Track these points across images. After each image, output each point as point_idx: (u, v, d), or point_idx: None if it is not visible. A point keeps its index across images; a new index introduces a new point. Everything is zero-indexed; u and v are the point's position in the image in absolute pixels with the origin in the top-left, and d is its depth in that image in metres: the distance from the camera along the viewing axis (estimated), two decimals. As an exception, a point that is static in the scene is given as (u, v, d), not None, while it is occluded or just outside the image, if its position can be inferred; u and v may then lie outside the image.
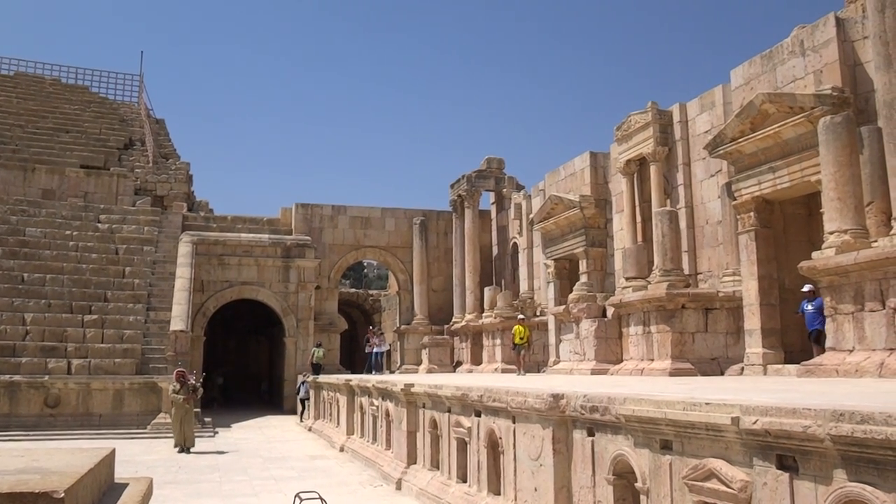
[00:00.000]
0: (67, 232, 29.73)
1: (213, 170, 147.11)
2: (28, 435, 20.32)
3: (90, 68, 45.93)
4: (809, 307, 14.41)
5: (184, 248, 29.78)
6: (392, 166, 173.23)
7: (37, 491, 2.17)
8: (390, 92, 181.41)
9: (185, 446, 18.53)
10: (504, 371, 26.34)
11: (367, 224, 34.78)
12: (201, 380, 21.59)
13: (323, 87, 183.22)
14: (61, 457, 2.83)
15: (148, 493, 2.99)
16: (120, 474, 3.23)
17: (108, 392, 23.10)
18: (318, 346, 29.28)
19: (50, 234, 29.33)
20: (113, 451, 3.09)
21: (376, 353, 26.43)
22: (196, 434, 22.24)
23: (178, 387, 19.16)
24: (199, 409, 25.08)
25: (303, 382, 27.30)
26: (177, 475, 15.08)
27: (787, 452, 4.82)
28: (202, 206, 36.97)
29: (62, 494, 2.17)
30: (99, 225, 30.86)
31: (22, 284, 26.51)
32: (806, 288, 14.63)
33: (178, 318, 25.85)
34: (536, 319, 27.03)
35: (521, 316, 24.61)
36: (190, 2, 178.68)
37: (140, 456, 17.53)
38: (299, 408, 27.08)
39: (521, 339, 22.64)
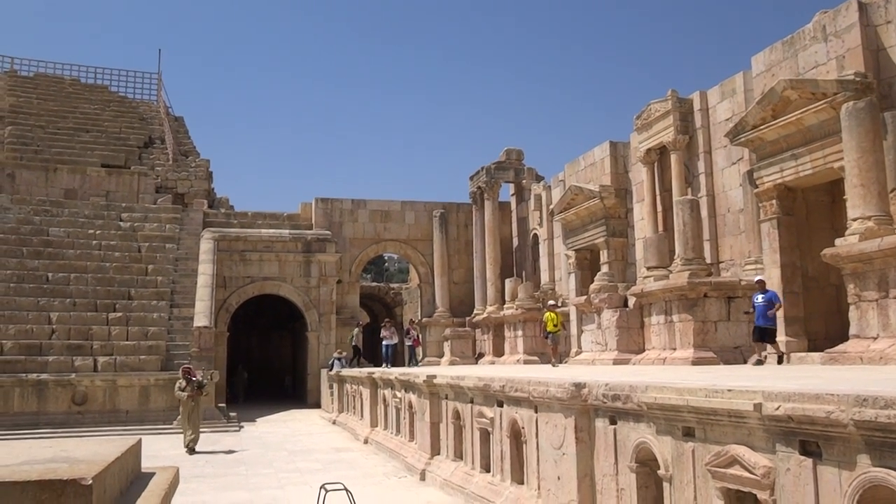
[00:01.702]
0: (90, 231, 30.07)
1: (232, 166, 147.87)
2: (56, 432, 20.62)
3: (109, 68, 46.45)
4: (760, 299, 13.83)
5: (205, 245, 30.03)
6: (411, 160, 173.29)
7: (65, 478, 2.23)
8: (409, 86, 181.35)
9: (193, 446, 17.95)
10: (526, 362, 26.34)
11: (387, 217, 34.86)
12: (209, 377, 20.94)
13: (342, 82, 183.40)
14: (89, 446, 2.90)
15: (174, 482, 3.05)
16: (151, 467, 3.31)
17: (135, 388, 23.38)
18: (359, 325, 29.11)
19: (73, 234, 29.69)
20: (139, 441, 3.16)
21: (387, 346, 26.27)
22: (221, 429, 22.55)
23: (183, 384, 18.48)
24: (223, 405, 25.43)
25: (337, 359, 27.87)
26: (203, 469, 15.27)
27: (811, 438, 4.81)
28: (222, 203, 37.24)
29: (90, 481, 2.22)
30: (121, 223, 31.19)
31: (47, 284, 26.88)
32: (756, 278, 14.46)
33: (202, 315, 26.11)
34: (558, 310, 26.96)
35: (551, 302, 22.84)
36: (206, 1, 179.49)
37: (167, 451, 17.73)
38: (333, 370, 26.98)
39: (555, 326, 20.52)
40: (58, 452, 2.71)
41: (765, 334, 13.72)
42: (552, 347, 20.66)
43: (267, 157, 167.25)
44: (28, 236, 28.93)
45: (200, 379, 18.84)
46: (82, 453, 2.67)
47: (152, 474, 3.06)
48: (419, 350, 30.14)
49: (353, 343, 28.55)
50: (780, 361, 13.76)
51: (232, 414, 24.70)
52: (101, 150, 37.17)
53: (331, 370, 28.08)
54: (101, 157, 36.48)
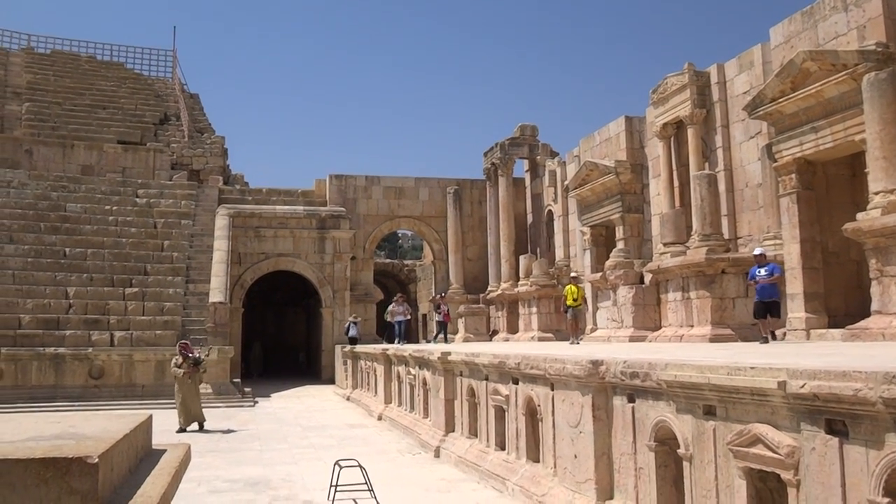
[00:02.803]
0: (107, 207, 30.16)
1: (247, 143, 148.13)
2: (73, 405, 20.79)
3: (125, 45, 46.36)
4: (762, 272, 13.47)
5: (220, 221, 30.07)
6: (425, 136, 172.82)
7: (70, 456, 2.16)
8: (424, 62, 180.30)
9: (185, 426, 17.00)
10: (541, 339, 26.27)
11: (401, 194, 34.73)
12: (207, 353, 19.80)
13: (356, 59, 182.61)
14: (98, 422, 2.83)
15: (186, 459, 2.99)
16: (162, 443, 3.26)
17: (150, 363, 23.52)
18: (398, 302, 28.79)
19: (90, 210, 29.78)
20: (150, 417, 3.09)
21: (399, 322, 25.97)
22: (236, 404, 22.66)
23: (180, 360, 17.46)
24: (238, 380, 25.56)
25: (353, 322, 28.47)
26: (218, 444, 15.34)
27: (837, 417, 4.70)
28: (237, 180, 37.22)
29: (96, 460, 2.16)
30: (137, 200, 31.26)
31: (64, 259, 27.02)
32: (757, 251, 14.19)
33: (217, 290, 26.19)
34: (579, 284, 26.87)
35: (573, 274, 21.56)
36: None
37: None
38: (347, 347, 27.10)
39: (575, 300, 19.25)
40: (66, 428, 2.65)
41: (769, 308, 13.50)
42: (571, 323, 19.51)
43: (282, 134, 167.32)
44: (45, 212, 29.06)
45: (198, 356, 17.87)
46: (90, 429, 2.61)
47: (163, 451, 3.00)
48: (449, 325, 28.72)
49: (388, 319, 28.03)
50: (765, 341, 13.36)
51: (246, 389, 24.83)
52: (117, 127, 37.20)
53: (347, 333, 28.43)
54: (117, 133, 36.52)
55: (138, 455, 2.78)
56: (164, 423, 17.55)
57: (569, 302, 19.28)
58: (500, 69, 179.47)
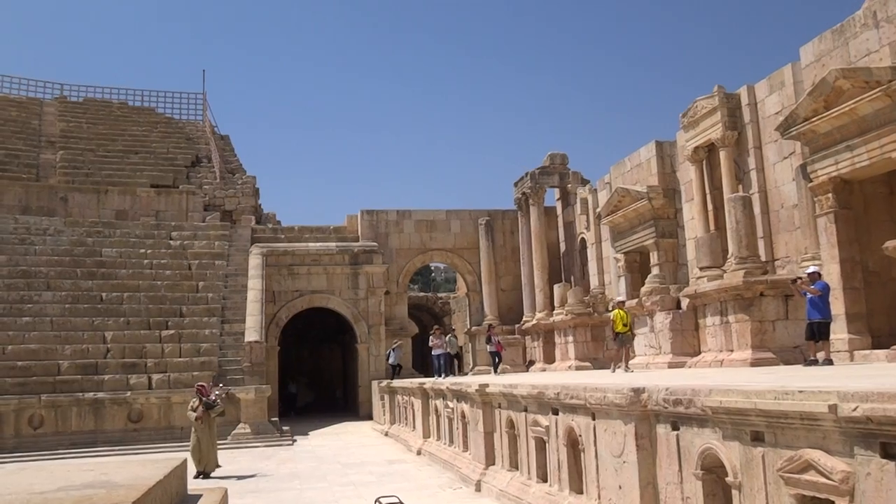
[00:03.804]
0: (141, 250, 30.60)
1: (278, 182, 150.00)
2: (113, 450, 20.92)
3: (155, 90, 47.35)
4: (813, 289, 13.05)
5: (254, 261, 30.32)
6: (455, 168, 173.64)
7: None
8: (450, 95, 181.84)
9: (204, 471, 16.43)
10: (578, 368, 25.94)
11: (433, 227, 34.77)
12: (224, 394, 18.97)
13: (383, 95, 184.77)
14: (131, 469, 2.79)
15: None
16: (204, 485, 3.20)
17: (188, 405, 23.55)
18: (454, 336, 28.58)
19: (125, 254, 30.24)
20: (184, 462, 3.04)
21: (438, 356, 25.64)
22: (275, 443, 22.61)
23: (195, 403, 16.89)
24: (276, 419, 25.51)
25: (393, 349, 28.66)
26: (258, 484, 15.29)
27: (892, 440, 4.50)
28: (269, 219, 37.60)
29: None
30: (171, 242, 31.68)
31: (101, 304, 27.37)
32: (810, 269, 13.76)
33: (252, 329, 26.32)
34: (609, 315, 26.54)
35: (619, 299, 20.19)
36: (248, 19, 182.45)
37: (223, 466, 17.82)
38: (384, 382, 27.05)
39: (626, 325, 18.13)
40: (97, 476, 2.60)
41: (820, 330, 13.13)
42: (622, 350, 18.15)
43: (312, 172, 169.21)
44: (82, 257, 29.57)
45: (212, 398, 17.09)
46: (122, 477, 2.55)
47: (199, 496, 2.94)
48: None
49: (452, 352, 27.88)
50: (810, 364, 13.02)
51: (285, 428, 24.79)
52: (149, 171, 37.90)
53: (388, 361, 28.32)
54: (150, 177, 37.19)
55: (172, 501, 2.72)
56: (193, 468, 17.56)
57: (618, 328, 18.05)
58: (527, 98, 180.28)
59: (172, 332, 26.59)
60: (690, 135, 21.58)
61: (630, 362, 18.84)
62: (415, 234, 34.48)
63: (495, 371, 25.15)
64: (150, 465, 2.89)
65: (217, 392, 17.80)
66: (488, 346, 26.48)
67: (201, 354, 25.82)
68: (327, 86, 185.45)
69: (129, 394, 23.35)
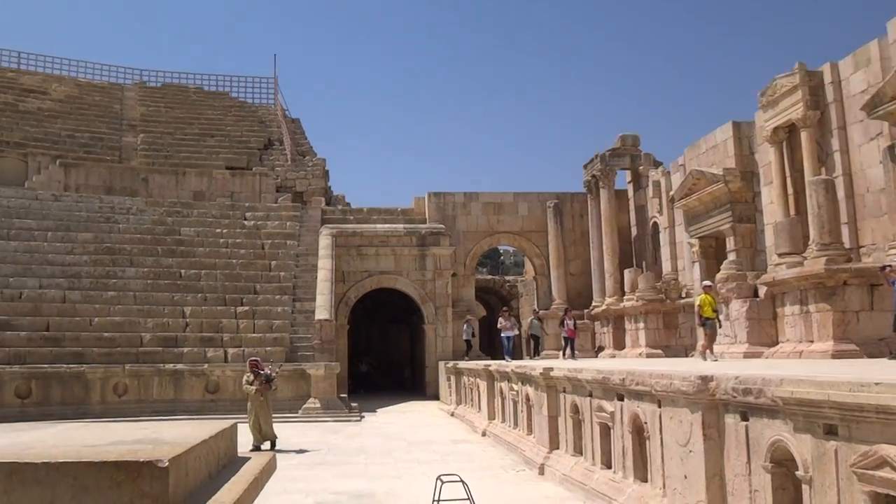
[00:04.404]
0: (217, 230, 31.45)
1: (348, 164, 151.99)
2: (192, 418, 21.51)
3: (229, 74, 48.49)
4: None
5: (324, 241, 30.78)
6: (523, 150, 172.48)
7: (142, 460, 2.18)
8: (520, 75, 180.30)
9: (259, 444, 16.51)
10: (649, 356, 25.51)
11: (500, 210, 34.60)
12: (277, 370, 19.08)
13: (453, 76, 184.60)
14: (182, 430, 2.86)
15: (268, 468, 2.97)
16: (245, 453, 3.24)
17: (278, 377, 24.15)
18: (538, 319, 28.06)
19: (202, 233, 31.14)
20: (234, 426, 3.10)
21: (507, 338, 25.50)
22: (343, 419, 22.97)
23: (251, 377, 17.24)
24: (345, 396, 25.93)
25: (467, 321, 28.97)
26: (326, 457, 15.56)
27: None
28: (339, 200, 38.08)
29: (166, 464, 2.17)
30: (245, 222, 32.45)
31: (180, 280, 28.29)
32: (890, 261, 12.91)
33: (322, 308, 26.76)
34: (682, 301, 26.01)
35: (706, 283, 18.59)
36: (318, 3, 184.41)
37: (293, 438, 18.24)
38: (450, 363, 27.19)
39: (714, 311, 16.84)
40: (149, 434, 2.68)
41: None
42: (710, 337, 16.72)
43: (380, 154, 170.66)
44: (162, 236, 30.57)
45: (268, 372, 17.39)
46: (171, 436, 2.62)
47: (247, 459, 2.98)
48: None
49: (532, 332, 27.86)
50: (893, 357, 12.43)
51: (353, 404, 25.17)
52: (224, 154, 38.82)
53: (464, 336, 28.56)
54: (225, 159, 38.11)
55: (219, 462, 2.77)
56: (280, 435, 17.97)
57: (706, 313, 16.64)
58: (598, 78, 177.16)
59: (247, 308, 27.29)
60: (769, 115, 20.80)
61: (699, 352, 18.32)
62: (482, 216, 34.37)
63: (572, 356, 24.80)
64: (200, 427, 2.95)
65: (270, 367, 18.04)
66: (561, 331, 26.13)
67: (274, 331, 26.43)
68: (396, 68, 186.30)
69: (206, 366, 24.09)
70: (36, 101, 40.05)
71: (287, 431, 19.16)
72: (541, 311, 33.91)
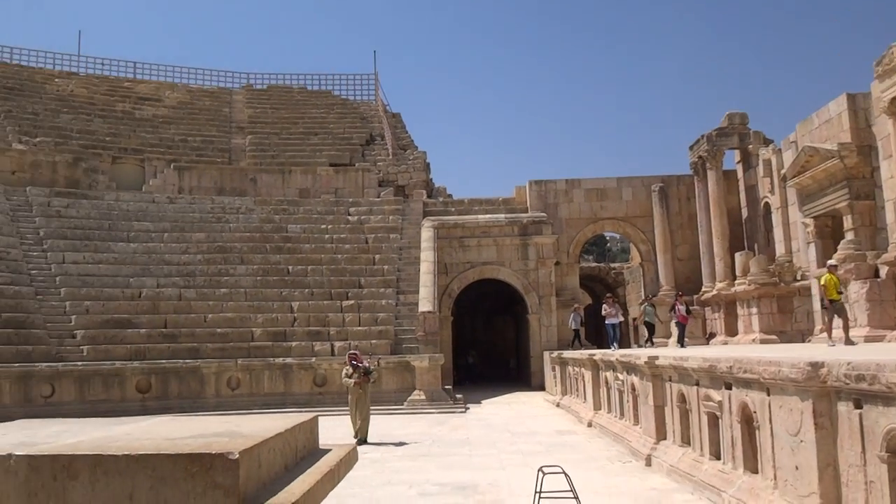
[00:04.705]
0: (322, 226, 32.29)
1: (448, 156, 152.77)
2: (300, 410, 22.19)
3: (330, 73, 49.56)
4: None
5: (426, 234, 31.08)
6: (626, 134, 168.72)
7: (214, 452, 2.25)
8: (620, 56, 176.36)
9: (361, 436, 16.80)
10: (763, 342, 24.52)
11: (603, 195, 33.98)
12: (376, 363, 19.15)
13: (553, 61, 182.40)
14: (262, 423, 2.93)
15: (348, 459, 3.00)
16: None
17: (377, 370, 24.67)
18: (651, 305, 27.43)
19: (308, 230, 32.05)
20: (315, 418, 3.16)
21: (612, 325, 24.91)
22: (448, 410, 23.15)
23: (350, 370, 17.36)
24: (449, 387, 26.14)
25: (574, 311, 28.54)
26: (430, 448, 15.71)
27: None
28: (440, 192, 38.33)
29: (237, 456, 2.23)
30: (349, 217, 33.17)
31: (288, 276, 29.23)
32: None
33: (426, 300, 27.04)
34: (797, 284, 24.85)
35: (831, 262, 17.13)
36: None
37: (397, 430, 18.53)
38: (555, 353, 26.94)
39: (840, 292, 15.62)
40: (229, 427, 2.76)
41: None
42: (840, 320, 15.54)
43: (481, 144, 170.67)
44: (270, 233, 31.66)
45: (367, 365, 17.50)
46: (249, 429, 2.69)
47: (327, 451, 3.03)
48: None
49: (646, 320, 27.40)
50: None
51: (458, 396, 25.34)
52: (328, 151, 39.76)
53: (572, 325, 28.22)
54: (328, 157, 39.03)
55: (297, 454, 2.82)
56: (383, 427, 18.32)
57: (831, 295, 15.50)
58: (702, 55, 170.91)
59: (352, 302, 27.91)
60: (887, 84, 19.49)
61: (821, 335, 17.44)
62: (584, 203, 33.84)
63: (680, 343, 24.11)
64: (281, 420, 3.02)
65: (369, 360, 18.15)
66: (671, 317, 25.39)
67: (378, 324, 26.92)
68: (494, 57, 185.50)
69: (313, 360, 24.77)
70: (151, 108, 42.16)
71: (391, 423, 19.51)
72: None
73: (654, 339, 29.51)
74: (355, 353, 17.87)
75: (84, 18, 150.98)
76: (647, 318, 26.69)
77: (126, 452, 2.31)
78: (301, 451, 2.89)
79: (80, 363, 23.07)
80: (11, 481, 2.36)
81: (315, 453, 3.00)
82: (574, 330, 28.54)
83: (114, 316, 25.64)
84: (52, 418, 3.67)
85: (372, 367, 17.67)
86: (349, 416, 17.38)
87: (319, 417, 13.29)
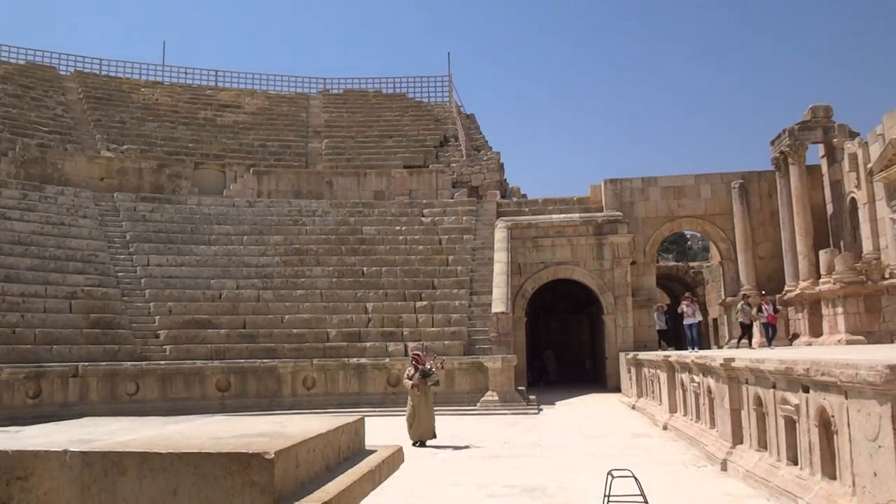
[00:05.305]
0: (397, 228, 32.66)
1: (522, 155, 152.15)
2: (374, 410, 22.50)
3: (404, 76, 50.01)
4: None
5: (499, 234, 31.04)
6: (703, 130, 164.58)
7: (251, 452, 2.32)
8: (697, 51, 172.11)
9: (420, 439, 16.33)
10: (849, 342, 23.57)
11: (680, 193, 33.25)
12: (439, 365, 18.45)
13: (626, 57, 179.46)
14: (307, 423, 3.01)
15: (391, 461, 3.04)
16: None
17: (440, 372, 24.78)
18: (748, 304, 25.83)
19: (382, 231, 32.47)
20: (361, 419, 3.20)
21: (690, 326, 24.17)
22: (521, 411, 23.03)
23: (411, 371, 16.86)
24: (522, 388, 26.01)
25: (657, 311, 27.90)
26: (500, 449, 15.67)
27: None
28: (514, 192, 38.23)
29: (272, 455, 2.30)
30: (423, 219, 33.43)
31: (362, 277, 29.66)
32: None
33: (499, 301, 26.99)
34: (885, 283, 23.80)
35: None
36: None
37: (469, 431, 18.57)
38: (630, 354, 26.40)
39: None
40: (274, 427, 2.83)
41: None
42: None
43: (555, 143, 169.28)
44: (345, 235, 32.21)
45: (428, 367, 16.93)
46: (293, 429, 2.76)
47: (372, 452, 3.08)
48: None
49: (742, 320, 26.71)
50: None
51: (531, 397, 25.16)
52: (402, 153, 40.16)
53: (657, 325, 27.63)
54: (402, 159, 39.42)
55: (341, 454, 2.88)
56: (454, 428, 18.40)
57: None
58: (782, 47, 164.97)
59: (425, 303, 28.11)
60: None
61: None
62: (661, 201, 33.18)
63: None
64: (327, 420, 3.08)
65: (432, 362, 17.69)
66: (759, 318, 24.45)
67: (452, 325, 27.03)
68: (568, 55, 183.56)
69: (387, 360, 25.03)
70: (231, 115, 43.44)
71: (464, 424, 19.56)
72: (727, 298, 32.26)
73: (733, 340, 28.66)
74: (418, 355, 17.49)
75: (168, 29, 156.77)
76: (742, 318, 25.58)
77: (171, 451, 2.41)
78: (345, 451, 2.94)
79: (162, 362, 23.94)
80: (67, 475, 2.50)
81: (360, 454, 3.05)
82: (659, 330, 27.81)
83: (195, 317, 26.52)
84: (120, 416, 3.83)
85: (433, 370, 17.12)
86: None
87: (389, 418, 13.60)
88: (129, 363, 23.45)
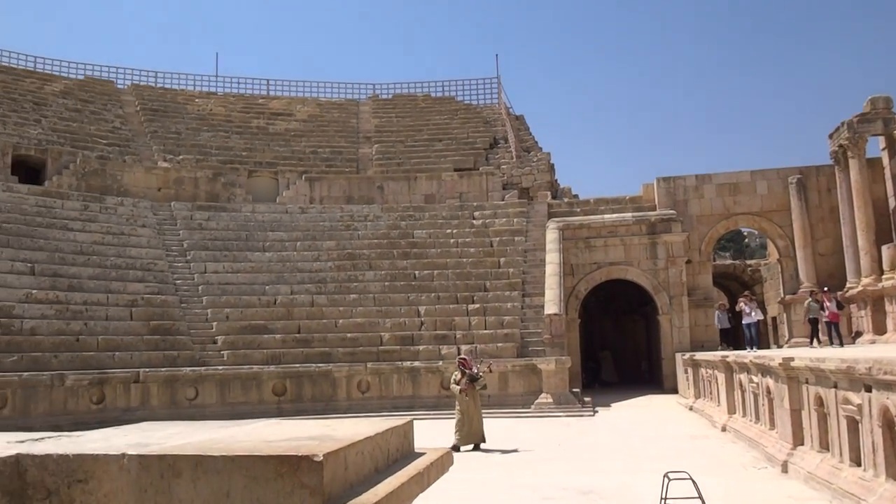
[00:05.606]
0: (448, 231, 32.74)
1: (573, 155, 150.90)
2: (428, 414, 22.62)
3: (453, 79, 50.12)
4: None
5: (551, 235, 30.88)
6: (758, 125, 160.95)
7: (301, 454, 2.39)
8: (752, 44, 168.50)
9: (459, 444, 15.97)
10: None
11: (736, 190, 32.61)
12: (486, 368, 18.36)
13: (678, 53, 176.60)
14: (356, 427, 3.06)
15: (439, 464, 3.07)
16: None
17: (494, 375, 24.73)
18: (816, 301, 25.01)
19: (434, 234, 32.59)
20: (410, 422, 3.25)
21: (748, 325, 23.63)
22: (576, 413, 22.88)
23: (458, 376, 16.63)
24: (577, 390, 25.83)
25: (719, 312, 27.39)
26: (555, 452, 15.60)
27: None
28: (565, 193, 37.97)
29: (321, 458, 2.35)
30: (474, 221, 33.46)
31: (414, 281, 29.82)
32: None
33: (552, 302, 26.86)
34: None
35: None
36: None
37: (523, 433, 18.51)
38: (686, 354, 25.96)
39: None
40: (323, 431, 2.89)
41: None
42: None
43: (606, 143, 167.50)
44: (397, 240, 32.43)
45: (475, 371, 16.74)
46: (342, 433, 2.81)
47: (421, 455, 3.12)
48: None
49: (721, 326, 26.48)
50: None
51: (586, 399, 24.96)
52: (452, 156, 40.25)
53: (719, 325, 27.12)
54: (452, 162, 39.51)
55: (390, 457, 2.93)
56: (508, 430, 18.36)
57: None
58: (840, 38, 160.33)
59: (478, 305, 28.12)
60: None
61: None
62: (716, 198, 32.59)
63: (833, 342, 22.64)
64: (376, 423, 3.13)
65: (479, 366, 17.58)
66: (821, 315, 23.79)
67: (504, 327, 26.98)
68: (616, 53, 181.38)
69: (440, 363, 25.07)
70: (283, 122, 44.13)
71: (518, 426, 19.51)
72: (787, 297, 31.51)
73: (795, 339, 28.03)
74: (464, 359, 17.33)
75: (221, 41, 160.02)
76: (812, 315, 24.80)
77: (224, 454, 2.49)
78: (394, 454, 2.99)
79: (220, 367, 24.42)
80: (125, 478, 2.59)
81: (409, 457, 3.09)
82: (721, 330, 27.32)
83: (251, 322, 27.00)
84: (178, 421, 3.95)
85: (480, 374, 16.96)
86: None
87: (442, 420, 13.56)
88: (188, 369, 23.99)
